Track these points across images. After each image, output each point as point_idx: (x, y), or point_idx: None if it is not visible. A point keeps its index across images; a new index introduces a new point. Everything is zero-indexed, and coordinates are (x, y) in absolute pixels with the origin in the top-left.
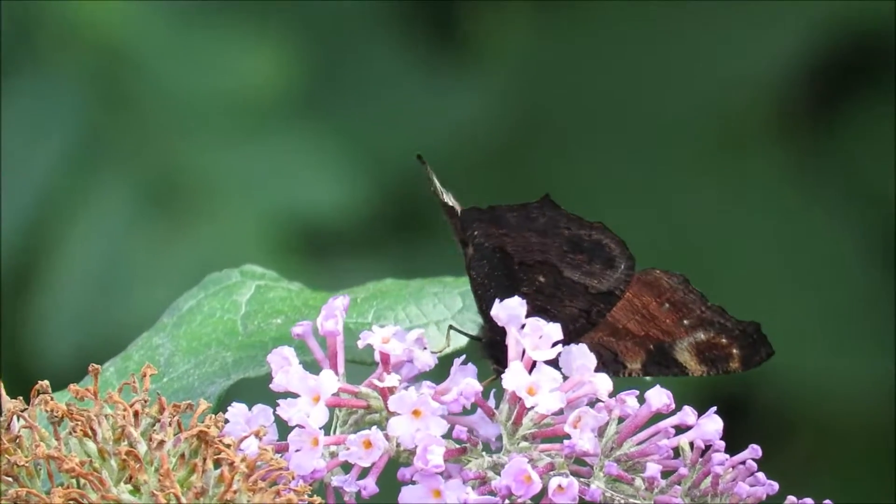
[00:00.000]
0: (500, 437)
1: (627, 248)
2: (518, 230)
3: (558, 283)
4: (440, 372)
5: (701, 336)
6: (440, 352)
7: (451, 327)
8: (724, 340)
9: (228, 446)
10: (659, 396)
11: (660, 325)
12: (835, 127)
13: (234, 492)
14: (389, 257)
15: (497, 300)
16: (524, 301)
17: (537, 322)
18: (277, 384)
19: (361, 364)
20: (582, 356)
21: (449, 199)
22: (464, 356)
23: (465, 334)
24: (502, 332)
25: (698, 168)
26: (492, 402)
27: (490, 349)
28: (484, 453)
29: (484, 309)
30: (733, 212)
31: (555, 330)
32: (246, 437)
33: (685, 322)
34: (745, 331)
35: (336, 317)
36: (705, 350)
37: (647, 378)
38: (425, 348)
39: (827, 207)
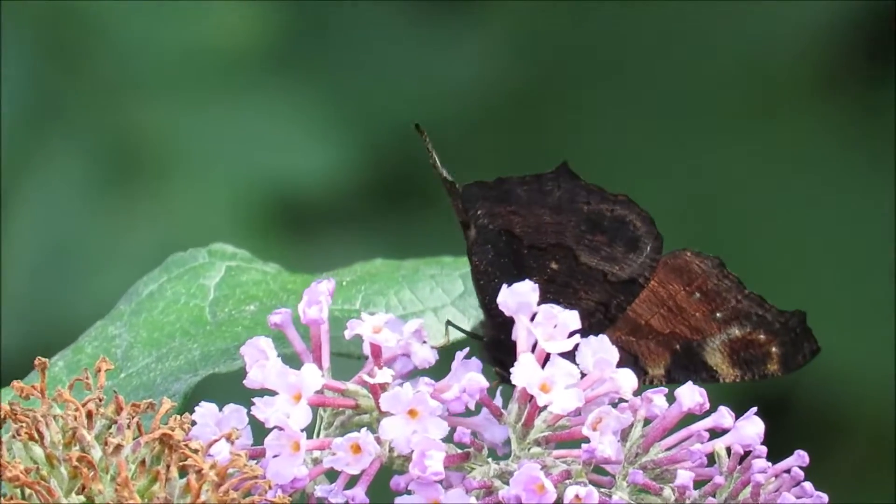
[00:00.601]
0: (508, 442)
1: (655, 226)
2: (529, 207)
3: (573, 270)
4: (440, 368)
5: (735, 332)
6: (440, 346)
7: (448, 323)
8: (762, 337)
9: (196, 451)
10: (691, 395)
11: (688, 320)
12: (876, 88)
13: (203, 503)
14: (380, 234)
15: (504, 286)
16: (535, 285)
17: (551, 309)
18: (252, 380)
19: (349, 358)
20: (602, 349)
21: (449, 175)
22: (466, 349)
23: (465, 331)
24: (508, 331)
25: (730, 134)
26: (499, 402)
27: (493, 350)
28: (490, 459)
29: (486, 302)
30: (771, 183)
31: (571, 318)
32: (216, 441)
33: (718, 315)
34: (787, 324)
35: (320, 303)
36: (740, 349)
37: None
38: (425, 342)
39: (875, 176)
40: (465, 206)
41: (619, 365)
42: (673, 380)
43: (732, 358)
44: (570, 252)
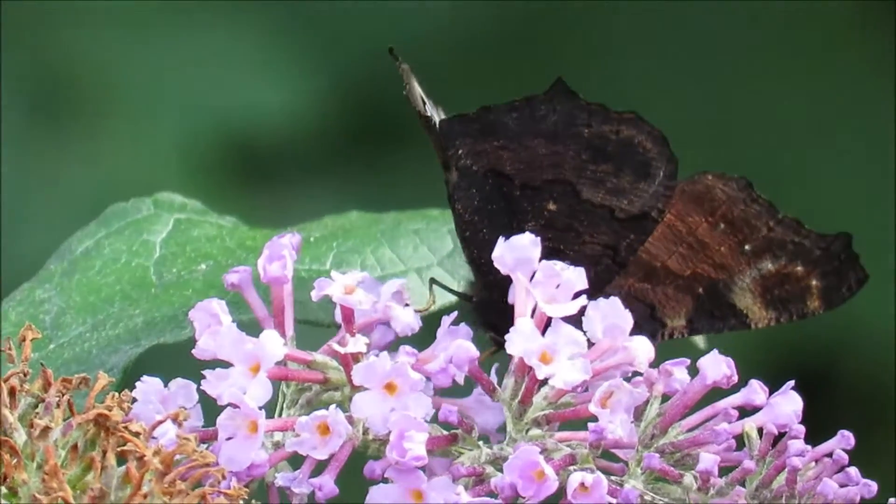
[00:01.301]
0: (503, 422)
1: (668, 146)
2: (520, 138)
3: (575, 209)
4: (423, 338)
5: (768, 266)
6: (425, 310)
7: (432, 281)
8: (799, 269)
9: (137, 434)
10: (716, 366)
11: (712, 257)
12: None
13: (145, 496)
14: (355, 182)
15: (501, 240)
16: (536, 238)
17: (553, 266)
18: (203, 350)
19: (316, 325)
20: (614, 313)
21: (426, 108)
22: (454, 314)
23: (452, 291)
24: (501, 290)
25: (759, 59)
26: (493, 376)
27: (484, 313)
28: (481, 442)
29: (475, 257)
30: (806, 108)
31: (577, 276)
32: (161, 422)
33: (747, 248)
34: (830, 250)
35: (283, 258)
36: (774, 286)
37: (697, 340)
38: (407, 305)
39: None
40: (444, 145)
41: (634, 319)
42: (696, 330)
43: (765, 297)
44: (570, 188)
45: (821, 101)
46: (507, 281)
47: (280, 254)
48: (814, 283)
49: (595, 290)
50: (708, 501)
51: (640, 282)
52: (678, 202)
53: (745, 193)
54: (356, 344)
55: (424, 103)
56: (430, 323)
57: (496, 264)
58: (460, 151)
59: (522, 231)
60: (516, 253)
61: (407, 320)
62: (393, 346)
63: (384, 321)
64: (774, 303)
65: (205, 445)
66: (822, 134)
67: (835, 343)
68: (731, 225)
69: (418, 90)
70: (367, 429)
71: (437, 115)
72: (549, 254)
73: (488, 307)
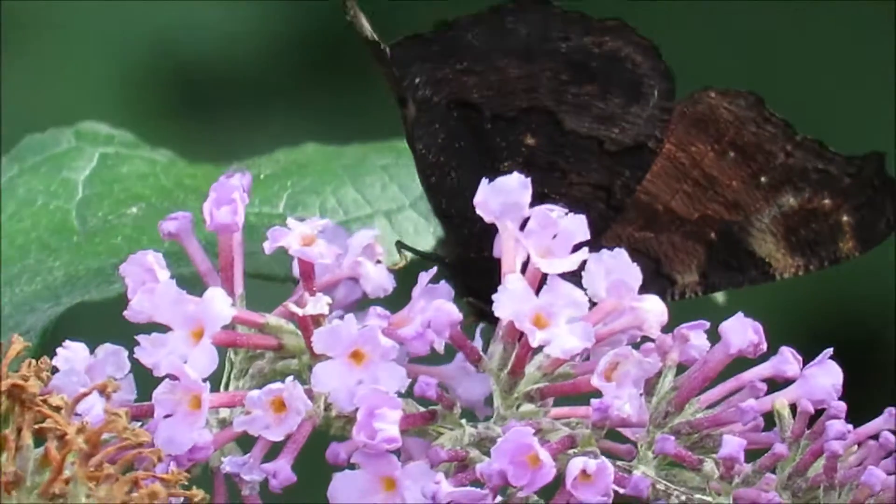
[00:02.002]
0: (489, 397)
1: (662, 60)
2: (487, 59)
3: (557, 143)
4: (396, 296)
5: (790, 201)
6: (398, 268)
7: (399, 245)
8: (827, 202)
9: (57, 409)
10: (741, 331)
11: (723, 195)
12: None
13: (67, 481)
14: (312, 110)
15: (484, 182)
16: (526, 179)
17: (548, 212)
18: (136, 311)
19: (269, 280)
20: (619, 267)
21: (374, 32)
22: (433, 269)
23: (420, 253)
24: (478, 245)
25: None
26: (478, 343)
27: (461, 275)
28: (464, 421)
29: (443, 207)
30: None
31: (577, 224)
32: (85, 395)
33: (763, 180)
34: (860, 175)
35: (233, 202)
36: (799, 226)
37: (717, 298)
38: (379, 261)
39: None
40: (397, 74)
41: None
42: (711, 286)
43: (789, 240)
44: (550, 117)
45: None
46: (486, 234)
47: (229, 197)
48: (845, 218)
49: (589, 241)
50: (731, 492)
51: (641, 230)
52: (678, 128)
53: (755, 112)
54: (317, 304)
55: (368, 26)
56: (405, 279)
57: (479, 210)
58: (417, 80)
59: (497, 172)
60: (503, 197)
61: (379, 280)
62: (361, 305)
63: (351, 277)
64: (801, 246)
65: (138, 423)
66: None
67: (881, 304)
68: (741, 152)
69: (363, 16)
70: (329, 405)
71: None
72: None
73: (464, 267)
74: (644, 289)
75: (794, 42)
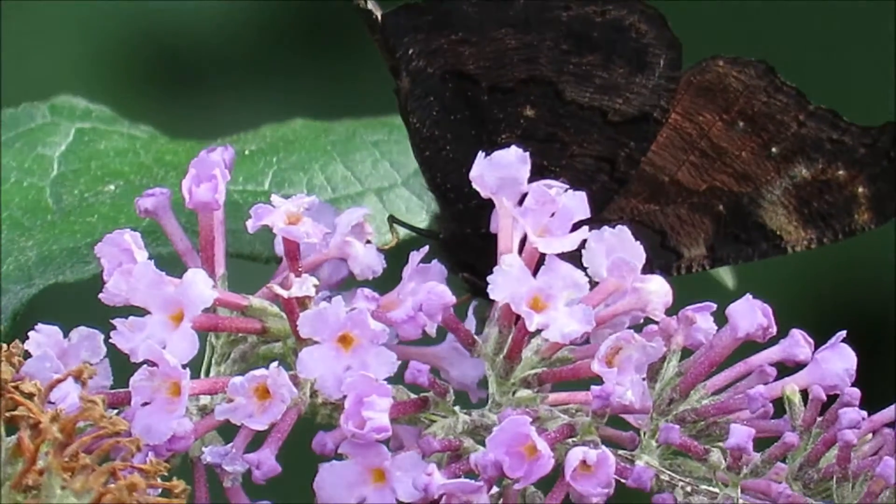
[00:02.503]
0: (484, 382)
1: (668, 28)
2: (483, 29)
3: (558, 114)
4: (386, 278)
5: (802, 172)
6: (388, 248)
7: (391, 220)
8: (841, 173)
9: (30, 396)
10: (750, 313)
11: (731, 166)
12: None
13: (41, 472)
14: (300, 86)
15: (481, 155)
16: (524, 153)
17: (546, 189)
18: (113, 293)
19: (253, 260)
20: (621, 245)
21: (368, 1)
22: (425, 249)
23: (413, 228)
24: (474, 221)
25: None
26: (470, 322)
27: (457, 251)
28: (458, 408)
29: (438, 181)
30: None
31: (577, 201)
32: (60, 381)
33: (774, 150)
34: (876, 146)
35: (214, 179)
36: (812, 198)
37: (724, 277)
38: (369, 241)
39: None
40: (391, 45)
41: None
42: (720, 260)
43: (802, 213)
44: (551, 88)
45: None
46: (483, 209)
47: (210, 173)
48: (860, 190)
49: (590, 215)
50: (739, 483)
51: (646, 202)
52: (684, 97)
53: (766, 81)
54: (303, 286)
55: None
56: (394, 259)
57: (475, 185)
58: (411, 52)
59: (495, 145)
60: (500, 172)
61: (368, 261)
62: (347, 285)
63: (339, 258)
64: (814, 219)
65: (115, 411)
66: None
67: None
68: (751, 122)
69: None
70: (316, 392)
71: (377, 7)
72: (529, 172)
73: (460, 243)
74: (649, 262)
75: (804, 10)
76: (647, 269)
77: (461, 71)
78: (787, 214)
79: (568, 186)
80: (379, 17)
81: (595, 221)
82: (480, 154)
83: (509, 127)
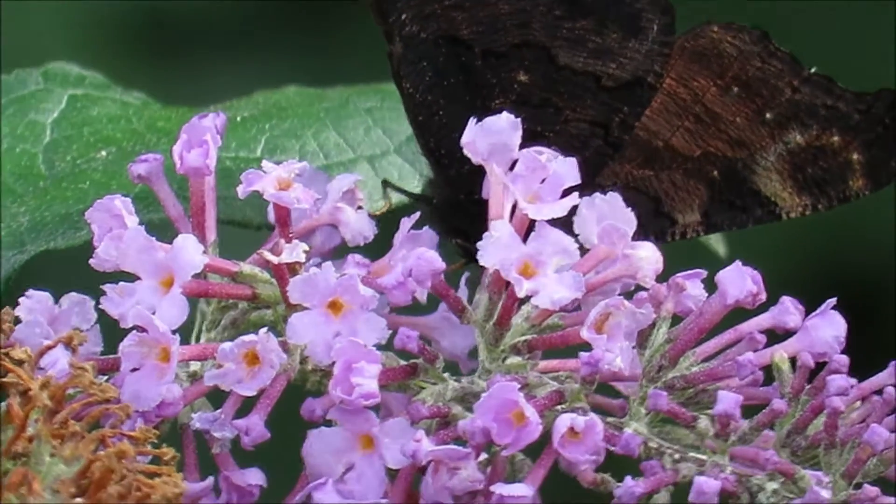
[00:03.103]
0: (474, 350)
1: None
2: None
3: (551, 79)
4: (377, 244)
5: (797, 138)
6: (379, 213)
7: (385, 184)
8: (836, 139)
9: (20, 363)
10: (739, 280)
11: (726, 131)
12: None
13: (30, 439)
14: (293, 52)
15: (472, 121)
16: (516, 120)
17: (537, 155)
18: (103, 259)
19: (244, 227)
20: (612, 212)
21: None
22: (416, 215)
23: (406, 193)
24: (467, 186)
25: None
26: (463, 292)
27: (448, 216)
28: (447, 375)
29: (432, 146)
30: None
31: (567, 168)
32: (50, 348)
33: (768, 116)
34: (871, 112)
35: (205, 146)
36: (806, 164)
37: (715, 245)
38: (360, 207)
39: None
40: (383, 9)
41: (635, 215)
42: (714, 226)
43: (796, 179)
44: (544, 52)
45: None
46: (476, 175)
47: (201, 139)
48: (855, 156)
49: (584, 180)
50: (728, 450)
51: (640, 168)
52: (678, 63)
53: (760, 47)
54: (293, 252)
55: None
56: (385, 225)
57: (466, 151)
58: (404, 16)
59: (488, 111)
60: (491, 138)
61: (359, 227)
62: (339, 253)
63: (331, 224)
64: (808, 185)
65: (104, 377)
66: None
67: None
68: (745, 88)
69: None
70: (305, 358)
71: None
72: (524, 137)
73: (453, 209)
74: (643, 229)
75: None
76: (641, 235)
77: (454, 36)
78: (782, 181)
79: (559, 153)
80: None
81: (589, 187)
82: (472, 120)
83: (503, 92)
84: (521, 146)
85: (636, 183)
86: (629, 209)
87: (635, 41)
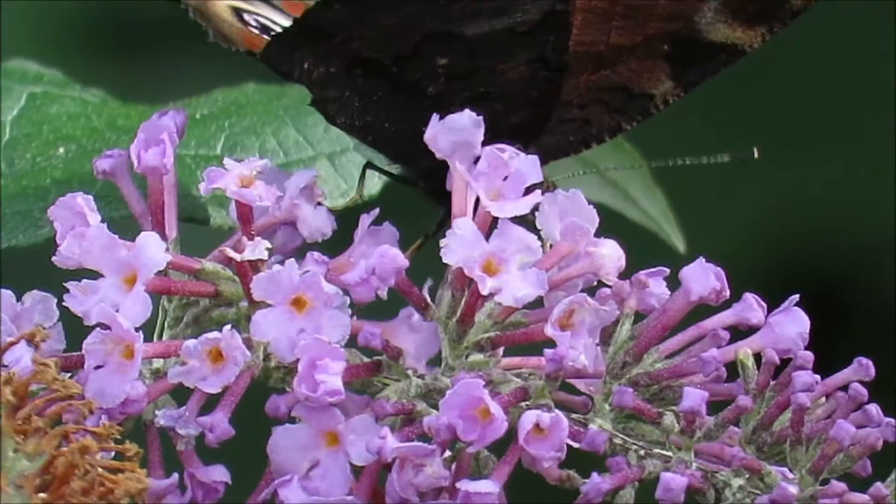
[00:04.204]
0: (433, 359)
1: None
2: (358, 23)
3: (469, 52)
4: (338, 241)
5: None
6: (343, 207)
7: (368, 165)
8: None
9: None
10: (703, 276)
11: (654, 12)
12: None
13: None
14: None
15: (435, 118)
16: (478, 117)
17: (498, 153)
18: (66, 256)
19: (205, 225)
20: (575, 208)
21: (245, 33)
22: (376, 211)
23: (393, 176)
24: (441, 174)
25: None
26: (426, 290)
27: (436, 195)
28: (411, 372)
29: (395, 154)
30: None
31: (529, 165)
32: (13, 344)
33: None
34: None
35: (163, 143)
36: (744, 3)
37: (676, 244)
38: (319, 203)
39: None
40: (283, 71)
41: (609, 118)
42: (689, 85)
43: (741, 20)
44: (448, 36)
45: None
46: (445, 164)
47: (158, 138)
48: None
49: (549, 105)
50: (693, 446)
51: (594, 73)
52: None
53: None
54: (255, 249)
55: (246, 25)
56: (343, 222)
57: (430, 146)
58: (306, 65)
59: (428, 99)
60: (454, 135)
61: (317, 223)
62: (300, 253)
63: (289, 221)
64: (756, 17)
65: (68, 374)
66: None
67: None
68: None
69: (227, 25)
70: (269, 354)
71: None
72: (473, 102)
73: (438, 190)
74: (627, 116)
75: None
76: (627, 122)
77: (362, 58)
78: (729, 26)
79: (518, 150)
80: (259, 55)
81: (560, 106)
82: (434, 116)
83: (431, 79)
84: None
85: (599, 84)
86: (591, 207)
87: None
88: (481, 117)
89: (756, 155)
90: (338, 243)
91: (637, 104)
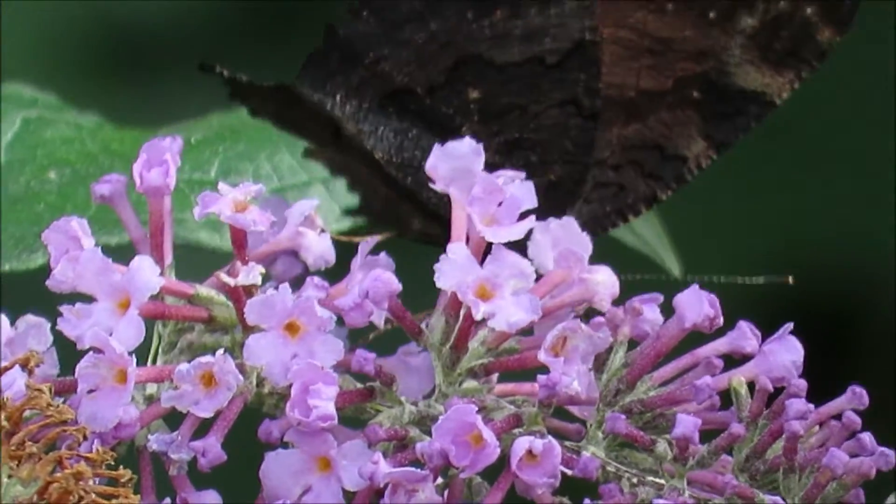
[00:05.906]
0: (430, 372)
1: None
2: (388, 38)
3: (500, 82)
4: (336, 273)
5: (749, 21)
6: (347, 231)
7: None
8: (783, 3)
9: None
10: (696, 304)
11: (683, 49)
12: None
13: None
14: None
15: (436, 147)
16: (478, 145)
17: (494, 179)
18: (59, 280)
19: (199, 249)
20: (568, 236)
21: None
22: (374, 239)
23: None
24: None
25: None
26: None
27: None
28: (404, 398)
29: (434, 201)
30: None
31: (524, 191)
32: (7, 369)
33: (713, 15)
34: None
35: (165, 165)
36: (770, 41)
37: (671, 268)
38: (323, 231)
39: None
40: (317, 101)
41: (642, 181)
42: (721, 144)
43: (768, 60)
44: (480, 61)
45: None
46: None
47: (161, 158)
48: (808, 10)
49: (584, 160)
50: (686, 474)
51: (627, 125)
52: (607, 8)
53: None
54: (249, 274)
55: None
56: (342, 252)
57: (431, 176)
58: (338, 97)
59: (461, 133)
60: (453, 162)
61: (320, 250)
62: (299, 283)
63: (291, 250)
64: (782, 59)
65: (61, 399)
66: None
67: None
68: (678, 0)
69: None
70: (262, 379)
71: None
72: (508, 150)
73: None
74: (662, 182)
75: None
76: (662, 189)
77: (393, 90)
78: (757, 68)
79: (533, 156)
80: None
81: (595, 165)
82: (437, 145)
83: (464, 116)
84: (507, 162)
85: (633, 141)
86: (585, 234)
87: (555, 7)
88: (481, 146)
89: (790, 282)
90: (337, 275)
91: (671, 167)
